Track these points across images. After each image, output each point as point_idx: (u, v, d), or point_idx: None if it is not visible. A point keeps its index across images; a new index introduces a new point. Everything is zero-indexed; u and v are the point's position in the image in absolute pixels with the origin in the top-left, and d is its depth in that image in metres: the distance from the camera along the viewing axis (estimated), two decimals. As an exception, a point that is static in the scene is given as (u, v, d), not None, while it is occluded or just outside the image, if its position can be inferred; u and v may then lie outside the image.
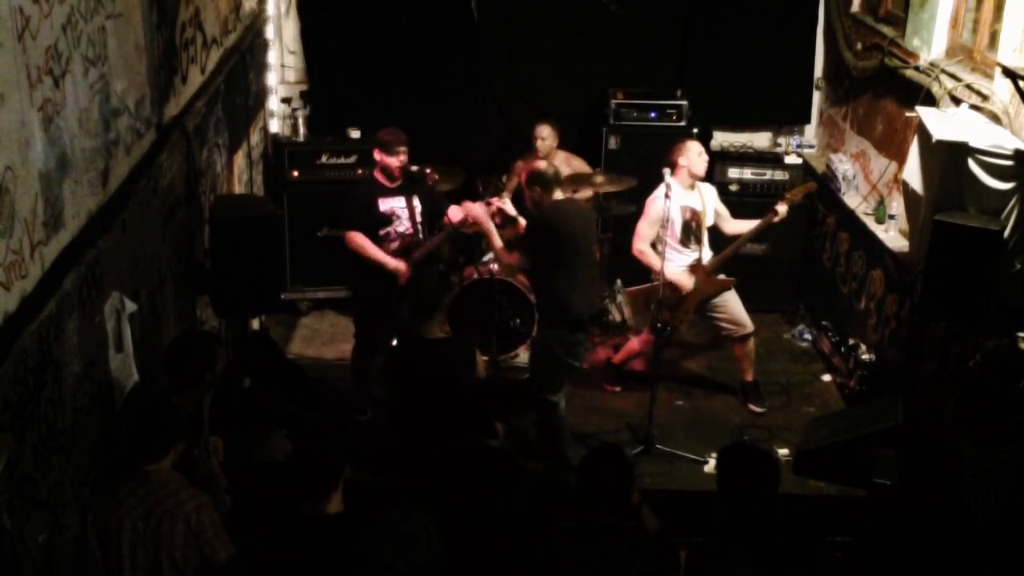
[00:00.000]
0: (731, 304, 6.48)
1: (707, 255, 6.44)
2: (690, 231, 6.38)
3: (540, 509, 4.02)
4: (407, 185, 6.07)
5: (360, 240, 5.95)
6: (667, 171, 6.22)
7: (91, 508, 3.64)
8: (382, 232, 6.01)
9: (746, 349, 6.60)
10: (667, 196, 6.07)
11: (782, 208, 6.34)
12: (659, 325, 6.06)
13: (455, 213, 6.05)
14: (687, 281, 6.32)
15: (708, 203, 6.45)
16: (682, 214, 6.32)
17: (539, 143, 7.24)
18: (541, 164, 5.87)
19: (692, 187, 6.38)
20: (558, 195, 5.57)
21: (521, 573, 3.86)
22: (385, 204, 6.01)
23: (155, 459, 3.65)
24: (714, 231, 6.55)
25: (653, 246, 6.30)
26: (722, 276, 6.46)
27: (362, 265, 6.02)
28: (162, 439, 3.67)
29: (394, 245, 6.04)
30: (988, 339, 4.89)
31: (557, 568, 3.49)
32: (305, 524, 3.49)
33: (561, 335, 5.59)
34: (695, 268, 6.38)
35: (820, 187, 7.66)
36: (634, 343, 6.73)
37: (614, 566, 3.45)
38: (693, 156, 6.30)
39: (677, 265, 6.32)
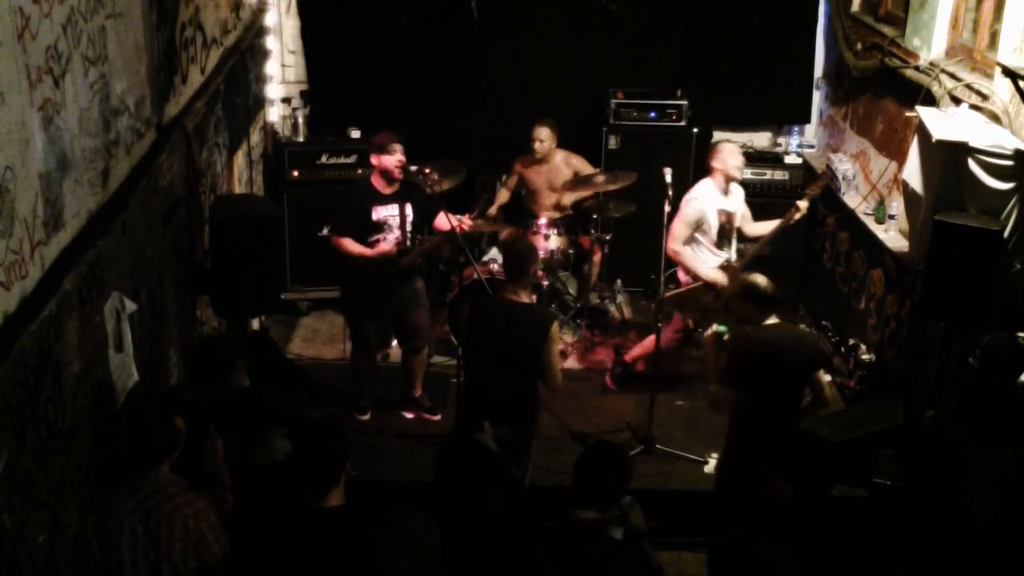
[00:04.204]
0: None
1: (733, 255, 6.43)
2: (724, 233, 6.37)
3: (517, 507, 4.01)
4: (402, 191, 6.05)
5: (345, 242, 5.95)
6: (668, 172, 6.21)
7: (91, 510, 3.64)
8: (372, 239, 6.00)
9: None
10: (671, 186, 6.00)
11: (803, 204, 6.25)
12: (691, 325, 6.01)
13: (442, 222, 6.05)
14: (725, 280, 6.24)
15: (739, 205, 6.45)
16: (718, 217, 6.29)
17: (536, 145, 7.20)
18: (760, 279, 4.91)
19: (727, 191, 6.35)
20: (772, 319, 4.88)
21: (499, 571, 3.85)
22: (378, 213, 5.99)
23: (150, 468, 3.66)
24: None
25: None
26: None
27: (350, 266, 6.02)
28: (155, 451, 3.67)
29: None
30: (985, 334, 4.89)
31: (536, 565, 3.48)
32: (305, 516, 3.49)
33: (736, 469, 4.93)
34: (726, 268, 6.32)
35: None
36: (650, 341, 6.66)
37: (592, 564, 3.44)
38: (727, 158, 6.27)
39: (709, 266, 6.29)
